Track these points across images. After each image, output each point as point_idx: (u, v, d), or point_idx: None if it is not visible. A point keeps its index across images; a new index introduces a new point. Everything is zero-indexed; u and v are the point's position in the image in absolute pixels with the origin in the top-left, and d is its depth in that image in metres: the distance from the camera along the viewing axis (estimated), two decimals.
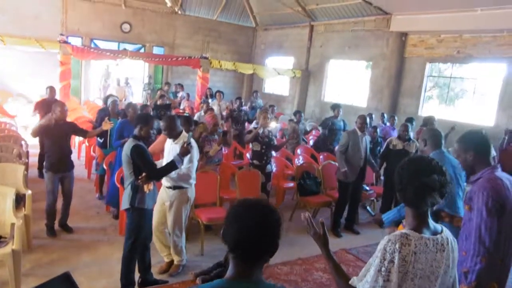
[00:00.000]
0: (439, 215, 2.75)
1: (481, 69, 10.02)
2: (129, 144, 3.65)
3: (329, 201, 6.04)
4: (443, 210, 2.71)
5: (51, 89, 7.18)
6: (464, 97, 11.02)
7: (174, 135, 4.06)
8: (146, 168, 3.61)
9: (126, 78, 13.52)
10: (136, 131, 3.72)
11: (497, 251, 2.38)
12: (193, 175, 4.19)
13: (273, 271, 4.44)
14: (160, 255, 4.36)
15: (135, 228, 3.72)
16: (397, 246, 1.63)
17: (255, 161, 5.79)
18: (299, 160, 7.25)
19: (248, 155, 6.40)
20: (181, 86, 13.46)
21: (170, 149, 4.15)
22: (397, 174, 1.80)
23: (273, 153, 6.48)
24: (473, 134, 2.62)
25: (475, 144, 2.54)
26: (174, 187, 4.08)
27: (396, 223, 2.98)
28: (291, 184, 6.62)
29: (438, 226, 1.79)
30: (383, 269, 1.63)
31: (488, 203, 2.32)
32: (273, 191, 6.35)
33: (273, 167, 6.10)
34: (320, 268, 4.65)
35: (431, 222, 1.76)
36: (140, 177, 3.58)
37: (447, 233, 1.78)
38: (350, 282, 1.77)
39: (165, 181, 4.12)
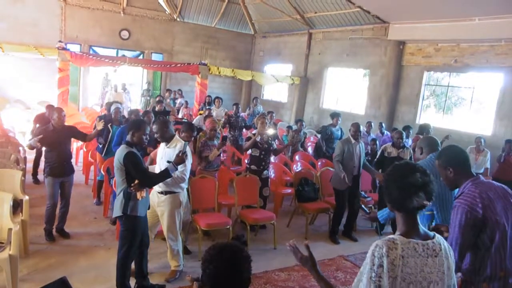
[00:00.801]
0: (439, 230, 2.76)
1: (478, 78, 10.08)
2: (121, 151, 3.60)
3: (327, 207, 6.04)
4: (442, 225, 2.71)
5: (50, 108, 7.11)
6: (462, 105, 11.08)
7: (167, 139, 4.07)
8: (139, 176, 3.57)
9: (124, 84, 13.55)
10: (128, 137, 3.68)
11: (494, 265, 2.39)
12: (187, 178, 4.19)
13: (271, 277, 4.42)
14: (160, 260, 4.36)
15: (128, 236, 3.69)
16: (384, 250, 1.64)
17: (252, 166, 5.79)
18: (297, 167, 7.26)
19: (246, 161, 6.40)
20: (180, 92, 13.51)
21: (162, 153, 4.15)
22: (384, 180, 1.86)
23: (272, 159, 6.48)
24: (450, 149, 2.64)
25: (451, 159, 2.56)
26: (166, 192, 4.07)
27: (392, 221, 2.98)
28: (289, 190, 6.62)
29: (431, 233, 1.79)
30: (373, 274, 1.64)
31: (461, 221, 2.35)
32: (271, 197, 6.35)
33: (270, 172, 6.10)
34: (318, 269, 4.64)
35: (421, 228, 1.76)
36: (132, 185, 3.55)
37: (440, 239, 1.77)
38: None
39: (156, 186, 4.10)
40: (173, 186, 4.07)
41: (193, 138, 5.10)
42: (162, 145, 4.18)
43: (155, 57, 15.51)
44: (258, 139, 5.74)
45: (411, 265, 1.64)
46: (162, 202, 4.11)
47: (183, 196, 4.25)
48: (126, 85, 13.75)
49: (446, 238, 2.70)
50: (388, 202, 1.83)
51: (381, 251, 1.64)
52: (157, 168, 4.20)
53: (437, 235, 1.79)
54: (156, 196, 4.16)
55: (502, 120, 9.14)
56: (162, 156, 4.14)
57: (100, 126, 5.32)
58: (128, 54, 14.43)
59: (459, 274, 2.46)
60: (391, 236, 1.71)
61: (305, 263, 1.95)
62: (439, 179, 3.41)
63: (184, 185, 4.22)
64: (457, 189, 2.92)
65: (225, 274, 1.58)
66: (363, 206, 5.77)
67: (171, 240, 4.20)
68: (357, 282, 1.72)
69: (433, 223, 2.72)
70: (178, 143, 4.04)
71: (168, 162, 3.91)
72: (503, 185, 2.53)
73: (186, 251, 4.77)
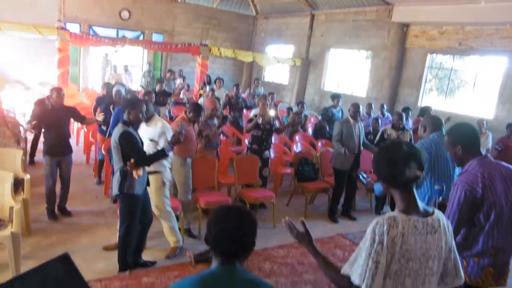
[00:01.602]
0: (444, 206, 2.78)
1: (482, 61, 9.98)
2: (117, 130, 3.60)
3: (326, 187, 6.08)
4: (447, 199, 2.74)
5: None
6: (464, 89, 11.01)
7: (146, 118, 4.04)
8: (134, 155, 3.56)
9: (126, 66, 13.45)
10: (124, 116, 3.67)
11: (486, 242, 2.44)
12: (169, 157, 4.22)
13: (269, 254, 4.49)
14: (162, 237, 4.44)
15: (127, 213, 3.72)
16: (385, 228, 1.64)
17: (254, 146, 5.81)
18: (297, 147, 7.27)
19: (247, 141, 6.42)
20: (180, 73, 13.38)
21: (144, 132, 4.14)
22: (373, 162, 1.87)
23: (273, 139, 6.49)
24: (460, 127, 2.64)
25: (462, 137, 2.56)
26: (148, 172, 4.03)
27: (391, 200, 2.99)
28: (289, 170, 6.65)
29: (429, 208, 1.79)
30: (373, 251, 1.64)
31: (460, 198, 2.39)
32: (271, 177, 6.38)
33: (271, 153, 6.13)
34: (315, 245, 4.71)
35: (420, 205, 1.76)
36: (128, 163, 3.55)
37: (439, 215, 1.78)
38: (342, 271, 1.77)
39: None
40: (155, 165, 4.04)
41: (201, 118, 5.09)
42: (143, 125, 4.16)
43: (156, 37, 15.36)
44: (259, 121, 5.74)
45: (410, 242, 1.65)
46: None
47: (167, 174, 4.28)
48: (128, 66, 13.65)
49: None
50: (381, 180, 1.83)
51: (382, 228, 1.65)
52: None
53: (436, 211, 1.79)
54: None
55: (504, 104, 9.10)
56: (144, 134, 4.12)
57: (100, 117, 5.28)
58: (129, 34, 14.30)
59: None
60: (392, 213, 1.71)
61: (302, 239, 1.97)
62: (442, 155, 3.45)
63: (167, 163, 4.24)
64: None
65: (230, 236, 1.57)
66: (360, 176, 5.77)
67: (162, 218, 4.27)
68: (355, 257, 1.72)
69: (440, 198, 2.74)
70: (158, 122, 4.05)
71: (151, 140, 3.94)
72: (510, 166, 2.54)
73: (189, 234, 4.82)
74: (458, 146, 2.54)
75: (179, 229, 4.67)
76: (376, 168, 1.83)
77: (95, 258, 4.10)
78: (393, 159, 1.75)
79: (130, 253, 3.92)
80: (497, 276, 2.51)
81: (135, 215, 3.77)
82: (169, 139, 3.91)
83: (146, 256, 4.24)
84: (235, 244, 1.58)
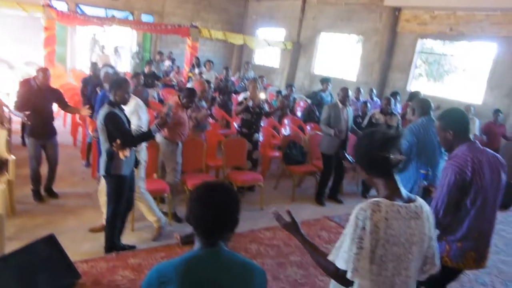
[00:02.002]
0: (428, 190, 2.80)
1: (472, 47, 10.00)
2: (103, 111, 3.56)
3: (314, 170, 6.12)
4: (432, 185, 2.77)
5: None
6: (454, 74, 11.05)
7: None
8: (120, 136, 3.53)
9: (116, 47, 13.22)
10: (111, 96, 3.62)
11: (471, 226, 2.47)
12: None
13: (256, 236, 4.53)
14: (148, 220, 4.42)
15: (114, 195, 3.70)
16: (368, 213, 1.65)
17: (243, 129, 5.81)
18: (286, 130, 7.28)
19: (235, 124, 6.40)
20: (169, 55, 13.20)
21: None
22: (353, 152, 1.89)
23: (262, 123, 6.49)
24: (453, 112, 2.65)
25: (454, 122, 2.58)
26: None
27: None
28: (277, 154, 6.66)
29: (412, 195, 1.81)
30: (356, 236, 1.65)
31: (450, 181, 2.41)
32: (260, 160, 6.40)
33: (260, 136, 6.13)
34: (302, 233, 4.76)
35: (403, 191, 1.78)
36: (114, 144, 3.52)
37: (421, 201, 1.80)
38: (328, 257, 1.79)
39: None
40: None
41: (194, 104, 5.04)
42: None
43: (145, 18, 15.05)
44: (250, 103, 5.72)
45: (394, 227, 1.66)
46: None
47: (143, 154, 4.25)
48: (118, 47, 13.41)
49: (430, 199, 2.77)
50: (364, 169, 1.84)
51: (365, 213, 1.65)
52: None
53: (419, 198, 1.81)
54: None
55: (492, 89, 9.16)
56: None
57: (84, 112, 5.09)
58: (117, 14, 13.99)
59: (437, 230, 2.53)
60: (376, 198, 1.71)
61: (289, 228, 1.99)
62: (430, 140, 3.48)
63: (143, 143, 4.18)
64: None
65: (211, 214, 1.51)
66: (347, 155, 5.81)
67: (137, 199, 4.22)
68: (340, 242, 1.74)
69: (425, 182, 2.77)
70: (132, 100, 3.93)
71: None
72: (496, 154, 2.58)
73: (176, 218, 4.81)
74: (450, 131, 2.56)
75: (167, 213, 4.69)
76: (356, 156, 1.86)
77: (82, 240, 4.10)
78: (371, 144, 1.77)
79: (117, 235, 3.93)
80: (477, 259, 2.57)
81: (122, 196, 3.76)
82: (141, 118, 3.86)
83: (134, 238, 4.25)
84: (217, 223, 1.52)
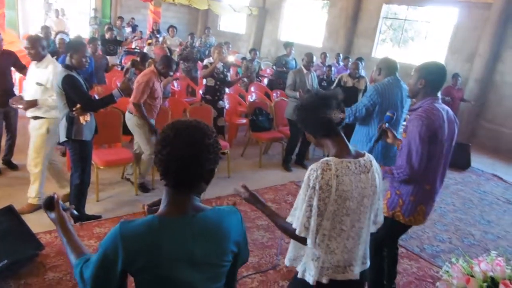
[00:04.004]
0: (385, 132, 2.83)
1: (435, 12, 10.15)
2: (59, 75, 3.40)
3: (280, 137, 6.17)
4: (390, 129, 2.81)
5: None
6: (417, 40, 11.24)
7: (38, 58, 3.75)
8: (80, 100, 3.41)
9: (62, 10, 12.52)
10: (67, 60, 3.47)
11: (425, 178, 2.56)
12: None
13: (223, 203, 4.56)
14: (113, 190, 4.34)
15: (79, 159, 3.62)
16: (319, 172, 1.69)
17: (207, 96, 5.73)
18: (252, 97, 7.25)
19: (201, 91, 6.30)
20: (130, 22, 12.66)
21: (33, 73, 3.84)
22: (297, 116, 1.91)
23: (226, 89, 6.42)
24: (434, 65, 2.65)
25: (430, 73, 2.58)
26: (35, 118, 3.80)
27: None
28: (244, 121, 6.65)
29: (360, 151, 1.87)
30: (307, 194, 1.71)
31: (421, 132, 2.44)
32: (226, 128, 6.37)
33: (225, 103, 6.08)
34: (269, 199, 4.87)
35: (351, 148, 1.83)
36: (74, 109, 3.40)
37: (370, 156, 1.86)
38: (287, 219, 1.85)
39: (28, 111, 3.78)
40: (45, 111, 3.79)
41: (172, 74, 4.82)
42: (32, 64, 3.85)
43: None
44: (218, 65, 5.61)
45: (346, 183, 1.71)
46: (33, 127, 3.85)
47: (55, 123, 3.87)
48: (65, 10, 12.70)
49: (384, 142, 2.82)
50: (310, 133, 1.89)
51: (315, 173, 1.70)
52: (25, 87, 3.93)
53: (367, 153, 1.86)
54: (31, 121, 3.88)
55: (453, 54, 9.41)
56: (32, 76, 3.82)
57: None
58: None
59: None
60: (325, 158, 1.76)
61: (249, 200, 2.01)
62: (393, 100, 3.55)
63: (56, 113, 3.85)
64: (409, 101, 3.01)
65: (181, 162, 1.25)
66: None
67: (33, 167, 3.93)
68: (296, 204, 1.81)
69: (387, 125, 2.81)
70: (50, 64, 3.75)
71: (37, 83, 3.70)
72: (453, 114, 2.65)
73: (144, 188, 4.73)
74: (422, 80, 2.57)
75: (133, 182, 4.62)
76: (301, 123, 1.89)
77: (43, 212, 3.98)
78: (311, 106, 1.81)
79: (84, 203, 3.85)
80: (426, 214, 2.68)
81: (87, 161, 3.67)
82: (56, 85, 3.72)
83: (98, 208, 4.19)
84: (187, 173, 1.27)
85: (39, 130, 3.84)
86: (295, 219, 1.79)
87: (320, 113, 1.78)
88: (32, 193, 4.00)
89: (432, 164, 2.54)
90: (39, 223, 3.61)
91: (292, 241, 1.91)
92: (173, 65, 4.61)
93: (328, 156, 1.81)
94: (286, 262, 1.97)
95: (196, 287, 1.30)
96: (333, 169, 1.70)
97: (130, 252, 1.21)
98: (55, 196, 1.62)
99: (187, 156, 1.25)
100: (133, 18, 12.98)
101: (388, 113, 2.81)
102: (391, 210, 2.68)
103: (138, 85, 4.28)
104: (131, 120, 4.47)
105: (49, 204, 1.63)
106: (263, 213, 1.96)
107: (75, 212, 1.72)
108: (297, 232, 1.75)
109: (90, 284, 1.27)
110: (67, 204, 1.75)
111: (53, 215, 1.61)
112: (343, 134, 1.84)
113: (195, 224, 1.29)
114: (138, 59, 5.53)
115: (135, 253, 1.22)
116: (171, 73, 4.70)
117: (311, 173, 1.72)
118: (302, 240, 1.77)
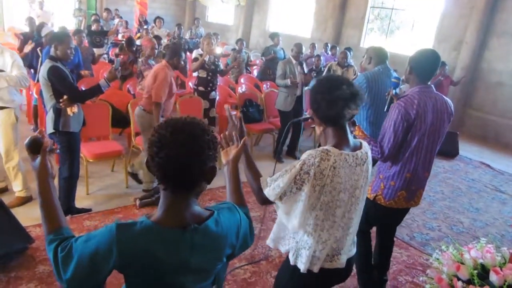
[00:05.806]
0: (393, 99, 2.86)
1: (421, 1, 10.17)
2: (45, 65, 3.35)
3: (271, 128, 6.17)
4: (397, 96, 2.84)
5: None
6: (404, 29, 11.27)
7: None
8: (67, 91, 3.37)
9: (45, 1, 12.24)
10: (51, 51, 3.42)
11: (405, 166, 2.61)
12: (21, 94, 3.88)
13: (215, 194, 4.56)
14: (102, 183, 4.26)
15: (66, 152, 3.58)
16: (316, 160, 1.67)
17: (200, 88, 5.70)
18: (242, 89, 7.22)
19: (191, 84, 6.25)
20: (114, 12, 12.43)
21: None
22: (311, 96, 1.84)
23: (219, 80, 6.39)
24: (424, 53, 2.63)
25: (418, 62, 2.59)
26: (1, 108, 3.72)
27: None
28: (234, 112, 6.61)
29: (358, 142, 1.86)
30: (298, 177, 1.68)
31: (396, 121, 2.49)
32: (217, 119, 6.34)
33: (217, 94, 6.05)
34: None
35: (351, 139, 1.82)
36: (61, 100, 3.36)
37: (366, 148, 1.85)
38: (262, 181, 1.80)
39: None
40: (6, 101, 3.72)
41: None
42: None
43: None
44: (206, 59, 5.57)
45: (341, 175, 1.70)
46: (1, 119, 3.77)
47: (17, 111, 3.88)
48: (44, 1, 12.40)
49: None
50: (319, 119, 1.83)
51: (313, 160, 1.67)
52: None
53: (364, 144, 1.86)
54: None
55: (440, 43, 9.45)
56: None
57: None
58: None
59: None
60: (325, 147, 1.74)
61: (235, 131, 1.85)
62: (383, 89, 3.56)
63: (18, 100, 3.85)
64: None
65: (181, 163, 1.18)
66: (305, 112, 5.90)
67: (11, 161, 3.89)
68: (279, 176, 1.73)
69: (395, 91, 2.81)
70: (5, 52, 3.66)
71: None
72: (448, 102, 2.63)
73: (136, 179, 4.68)
74: (410, 68, 2.59)
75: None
76: (315, 108, 1.81)
77: (33, 204, 3.94)
78: (334, 101, 1.73)
79: (74, 196, 3.80)
80: (408, 198, 2.72)
81: (76, 153, 3.64)
82: (21, 68, 3.65)
83: (89, 201, 4.15)
84: (188, 174, 1.20)
85: (8, 120, 3.78)
86: (270, 188, 1.74)
87: (338, 107, 1.72)
88: (19, 187, 3.95)
89: (411, 153, 2.58)
90: (28, 217, 3.58)
91: (276, 222, 1.93)
92: (182, 52, 4.33)
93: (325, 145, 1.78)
94: (268, 241, 1.98)
95: (186, 287, 1.29)
96: (331, 160, 1.68)
97: (125, 257, 1.17)
98: (44, 140, 1.40)
99: (187, 155, 1.18)
100: (116, 10, 12.73)
101: (393, 79, 2.84)
102: (373, 193, 2.76)
103: (159, 83, 4.00)
104: (144, 118, 4.17)
105: (34, 147, 1.39)
106: (244, 157, 1.87)
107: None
108: (275, 204, 1.77)
109: (71, 271, 1.18)
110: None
111: (36, 162, 1.38)
112: (347, 127, 1.82)
113: (194, 237, 1.22)
114: (125, 44, 5.47)
115: (130, 258, 1.18)
116: (182, 62, 4.40)
117: (308, 158, 1.69)
118: (263, 201, 1.80)
